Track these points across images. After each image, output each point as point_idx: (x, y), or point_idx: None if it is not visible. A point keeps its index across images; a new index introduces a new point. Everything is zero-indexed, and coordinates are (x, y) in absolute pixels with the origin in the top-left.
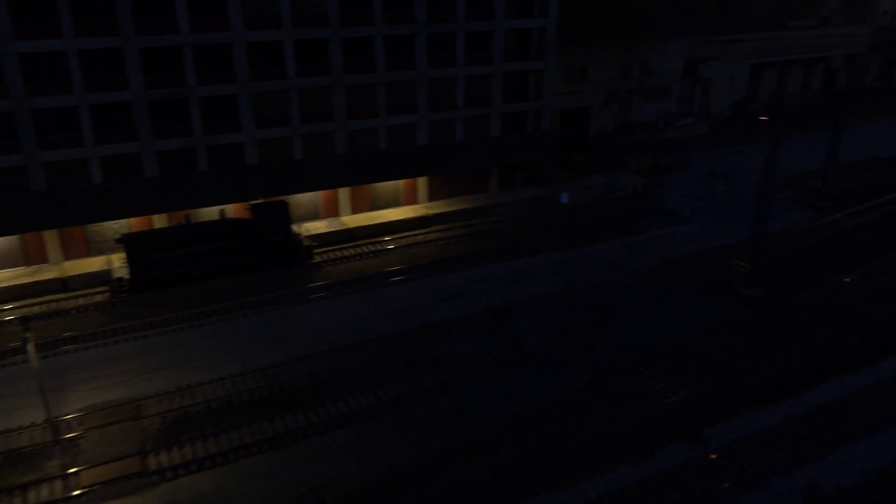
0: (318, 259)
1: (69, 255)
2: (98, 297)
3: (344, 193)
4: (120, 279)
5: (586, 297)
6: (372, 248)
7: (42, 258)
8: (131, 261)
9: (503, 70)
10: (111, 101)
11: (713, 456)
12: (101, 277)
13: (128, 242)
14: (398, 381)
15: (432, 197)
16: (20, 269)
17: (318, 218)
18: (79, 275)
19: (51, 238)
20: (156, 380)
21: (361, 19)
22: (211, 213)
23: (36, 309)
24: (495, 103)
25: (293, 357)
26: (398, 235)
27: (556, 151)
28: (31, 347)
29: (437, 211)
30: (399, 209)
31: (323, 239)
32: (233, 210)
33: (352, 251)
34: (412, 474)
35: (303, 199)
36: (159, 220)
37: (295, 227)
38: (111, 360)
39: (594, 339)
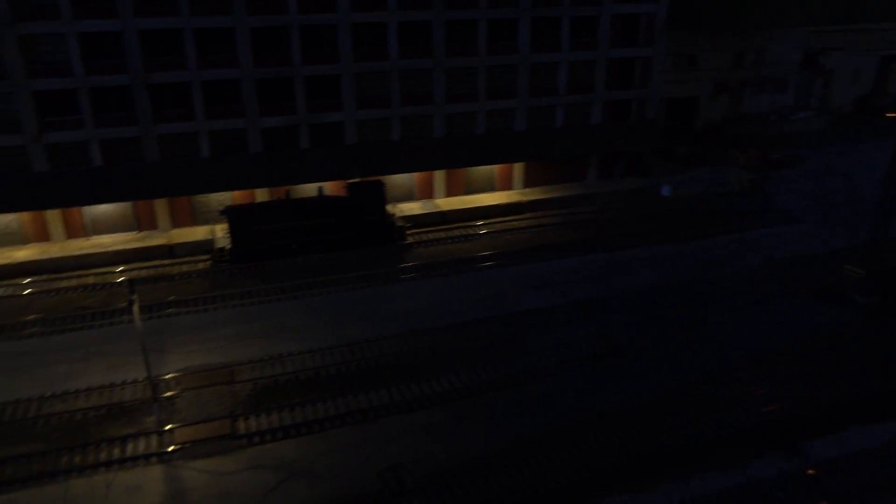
0: (410, 240)
1: (177, 223)
2: (201, 265)
3: (439, 176)
4: (222, 249)
5: (683, 294)
6: (464, 231)
7: (152, 225)
8: (233, 232)
9: (608, 56)
10: (221, 78)
11: (811, 471)
12: (205, 246)
13: (230, 214)
14: (483, 367)
15: (528, 183)
16: (132, 235)
17: (413, 199)
18: (184, 243)
19: (161, 206)
20: (250, 347)
21: (466, 2)
22: (310, 189)
23: (143, 273)
24: (598, 90)
25: (381, 335)
26: (491, 221)
27: (659, 142)
28: (136, 309)
29: (532, 198)
30: (493, 194)
31: (416, 220)
32: (330, 188)
33: (444, 234)
34: (492, 461)
35: (399, 180)
36: (261, 195)
37: (389, 208)
38: (209, 325)
39: (689, 338)
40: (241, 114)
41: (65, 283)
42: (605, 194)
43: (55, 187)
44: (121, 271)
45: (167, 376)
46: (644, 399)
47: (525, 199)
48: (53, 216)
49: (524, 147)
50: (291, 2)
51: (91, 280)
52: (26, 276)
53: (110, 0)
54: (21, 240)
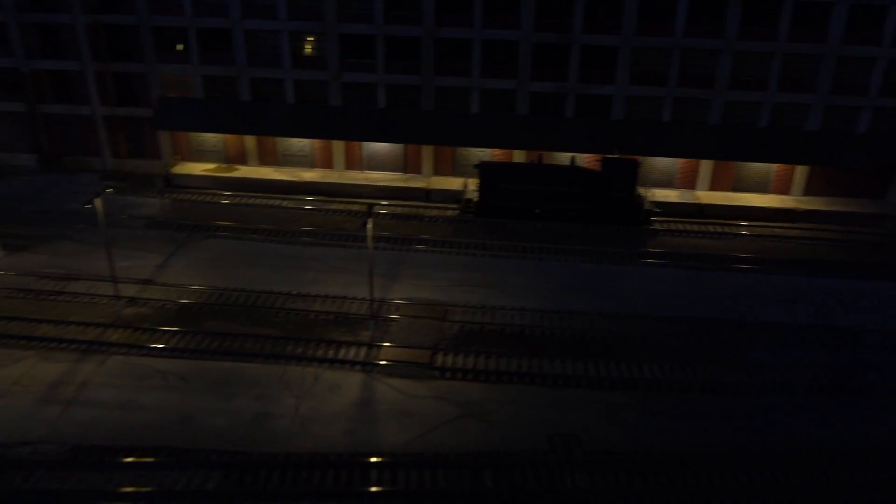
0: (656, 226)
1: (437, 171)
2: (449, 213)
3: (706, 166)
4: (469, 201)
5: None
6: (719, 229)
7: (416, 169)
8: (482, 187)
9: None
10: (501, 39)
11: None
12: (456, 196)
13: (483, 170)
14: (694, 367)
15: (809, 190)
16: (397, 175)
17: (671, 186)
18: (439, 189)
19: (427, 153)
20: (469, 293)
21: None
22: (563, 158)
23: (399, 210)
24: None
25: (596, 311)
26: (754, 223)
27: None
28: (369, 235)
29: (811, 207)
30: (764, 196)
31: (668, 208)
32: (584, 159)
33: (695, 227)
34: (669, 459)
35: (659, 164)
36: (517, 156)
37: (641, 190)
38: (441, 266)
39: None
40: (514, 75)
41: (335, 206)
42: None
43: (345, 122)
44: (385, 205)
45: (391, 300)
46: (876, 444)
47: (801, 206)
48: (338, 147)
49: (814, 149)
50: None
51: (356, 207)
52: (308, 194)
53: None
54: (310, 164)
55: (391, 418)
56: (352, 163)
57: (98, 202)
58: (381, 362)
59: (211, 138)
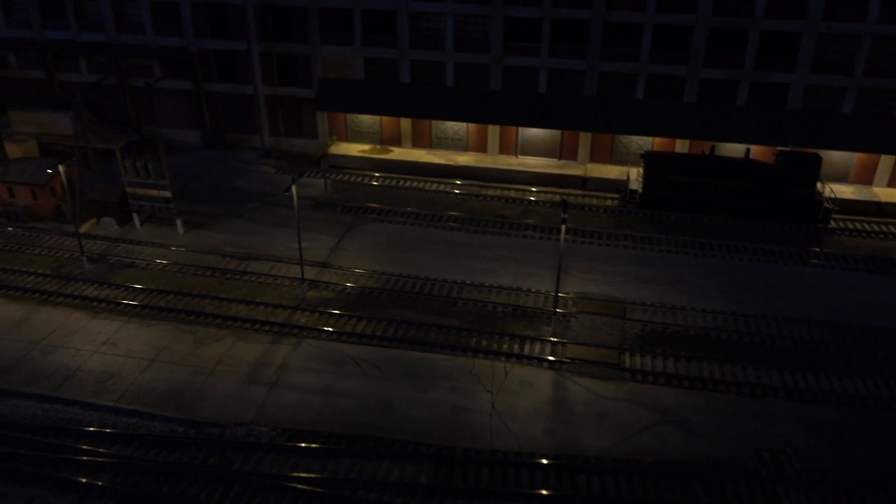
0: (833, 225)
1: (594, 158)
2: (608, 202)
3: (886, 161)
4: (633, 191)
5: None
6: None
7: (572, 156)
8: (647, 177)
9: None
10: (675, 23)
11: None
12: (616, 185)
13: (649, 159)
14: None
15: None
16: (553, 161)
17: (845, 181)
18: (597, 178)
19: (584, 140)
20: (644, 290)
21: None
22: (733, 150)
23: (555, 198)
24: None
25: (782, 315)
26: None
27: None
28: (563, 229)
29: None
30: None
31: (844, 205)
32: (756, 152)
33: (875, 227)
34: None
35: (833, 157)
36: (680, 146)
37: (818, 186)
38: (609, 259)
39: None
40: (685, 61)
41: (489, 192)
42: None
43: (504, 106)
44: (537, 192)
45: (565, 295)
46: None
47: None
48: (493, 131)
49: None
50: None
51: (512, 194)
52: (460, 178)
53: None
54: (464, 147)
55: (588, 420)
56: (505, 147)
57: (294, 189)
58: (568, 360)
59: (367, 119)
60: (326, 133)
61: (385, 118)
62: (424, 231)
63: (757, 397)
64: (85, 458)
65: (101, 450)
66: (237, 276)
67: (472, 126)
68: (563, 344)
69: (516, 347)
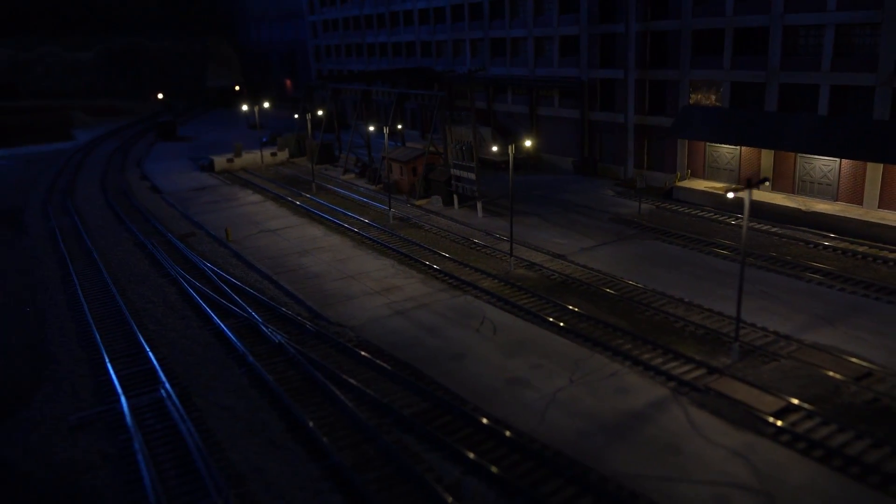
0: None
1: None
2: None
3: None
4: None
5: None
6: None
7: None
8: None
9: None
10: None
11: None
12: None
13: None
14: None
15: None
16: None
17: None
18: None
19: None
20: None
21: None
22: None
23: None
24: None
25: None
26: None
27: None
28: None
29: None
30: None
31: None
32: None
33: None
34: None
35: None
36: None
37: None
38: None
39: None
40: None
41: (861, 249)
42: None
43: (891, 140)
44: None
45: (796, 338)
46: None
47: None
48: (873, 177)
49: None
50: None
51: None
52: (810, 227)
53: None
54: (832, 194)
55: (649, 443)
56: (888, 199)
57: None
58: (703, 387)
59: (726, 154)
60: (685, 165)
61: (745, 155)
62: (695, 255)
63: None
64: None
65: None
66: (472, 247)
67: (845, 168)
68: (720, 372)
69: (659, 360)
